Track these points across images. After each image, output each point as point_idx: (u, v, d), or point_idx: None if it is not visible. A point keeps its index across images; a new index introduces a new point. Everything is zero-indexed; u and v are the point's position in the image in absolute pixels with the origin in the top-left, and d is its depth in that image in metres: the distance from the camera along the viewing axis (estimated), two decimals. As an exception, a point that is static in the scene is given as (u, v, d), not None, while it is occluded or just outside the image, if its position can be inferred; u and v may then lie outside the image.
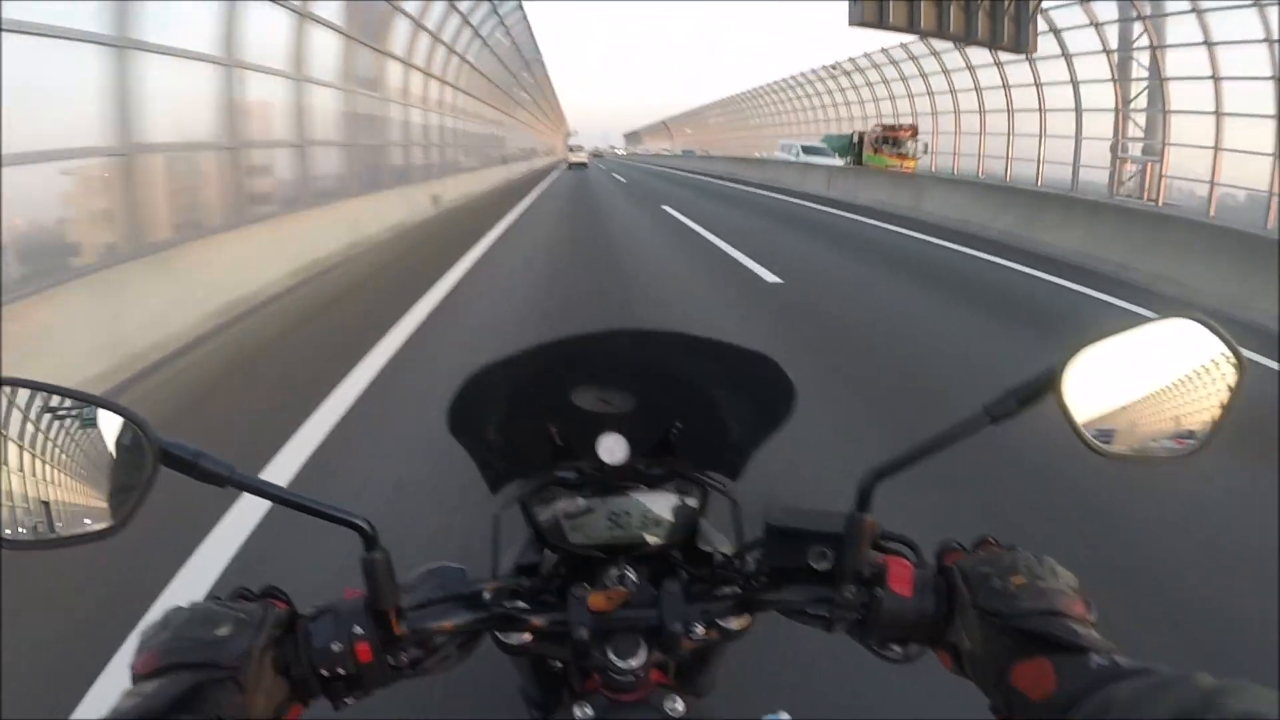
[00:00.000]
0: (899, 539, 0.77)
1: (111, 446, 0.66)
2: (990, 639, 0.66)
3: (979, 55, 27.68)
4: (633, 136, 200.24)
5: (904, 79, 36.22)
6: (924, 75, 34.20)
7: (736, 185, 30.54)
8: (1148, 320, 0.68)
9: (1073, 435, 0.69)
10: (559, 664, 0.91)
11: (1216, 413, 0.67)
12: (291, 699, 0.70)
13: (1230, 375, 0.66)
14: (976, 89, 30.43)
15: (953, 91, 32.46)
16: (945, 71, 32.16)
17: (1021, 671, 0.62)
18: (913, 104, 36.65)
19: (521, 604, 0.80)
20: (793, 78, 51.29)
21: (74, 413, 0.66)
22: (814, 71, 46.63)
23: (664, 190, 27.27)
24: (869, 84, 40.16)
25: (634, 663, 0.77)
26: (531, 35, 40.45)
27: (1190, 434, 0.68)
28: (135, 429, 0.65)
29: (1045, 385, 0.68)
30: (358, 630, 0.70)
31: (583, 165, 52.70)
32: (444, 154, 21.96)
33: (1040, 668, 0.61)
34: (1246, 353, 0.66)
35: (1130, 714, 0.52)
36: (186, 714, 0.59)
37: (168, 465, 0.64)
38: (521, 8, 32.29)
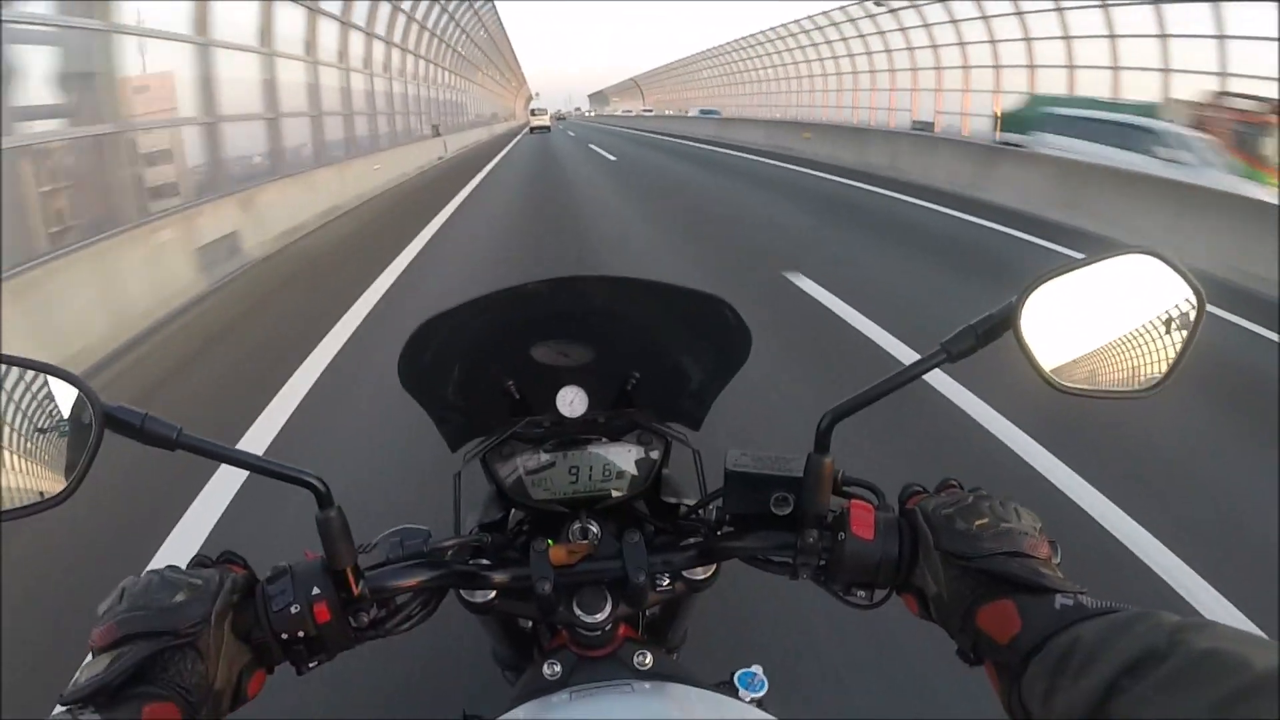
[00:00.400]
0: (861, 483, 0.76)
1: (56, 413, 0.64)
2: (954, 581, 0.66)
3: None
4: (598, 97, 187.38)
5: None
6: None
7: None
8: (1106, 255, 0.67)
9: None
10: (529, 624, 0.90)
11: (1177, 348, 0.67)
12: (255, 665, 0.68)
13: (1190, 311, 0.66)
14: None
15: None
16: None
17: (987, 614, 0.62)
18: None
19: (484, 561, 0.79)
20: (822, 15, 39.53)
21: (14, 379, 0.64)
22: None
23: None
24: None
25: (600, 616, 0.77)
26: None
27: (1150, 369, 0.68)
28: (79, 394, 0.63)
29: (1003, 322, 0.67)
30: (315, 591, 0.68)
31: (545, 129, 49.22)
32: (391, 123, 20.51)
33: (1004, 609, 0.61)
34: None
35: (1095, 653, 0.52)
36: (146, 685, 0.58)
37: (113, 429, 0.63)
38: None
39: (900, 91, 34.40)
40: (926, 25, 30.60)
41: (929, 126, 27.66)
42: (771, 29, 48.18)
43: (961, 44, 29.07)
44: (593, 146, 28.46)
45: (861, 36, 35.97)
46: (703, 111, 73.56)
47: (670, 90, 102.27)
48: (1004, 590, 0.62)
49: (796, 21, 42.91)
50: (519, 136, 41.47)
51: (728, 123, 35.41)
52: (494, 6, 41.76)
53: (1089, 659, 0.52)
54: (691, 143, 30.32)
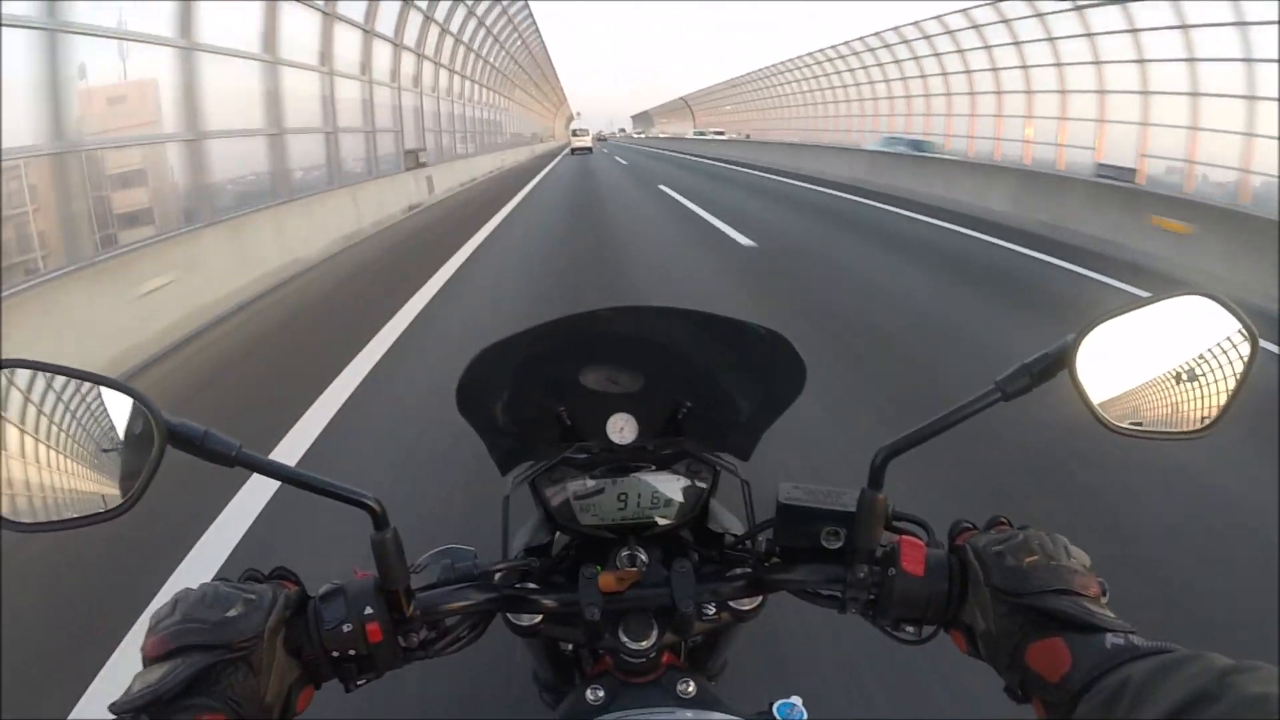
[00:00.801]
0: (911, 519, 0.76)
1: (118, 426, 0.65)
2: (1004, 618, 0.66)
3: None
4: (642, 118, 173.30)
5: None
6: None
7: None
8: (1161, 296, 0.68)
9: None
10: (570, 647, 0.91)
11: (1229, 389, 0.66)
12: (304, 681, 0.70)
13: (1243, 351, 0.66)
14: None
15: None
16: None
17: (1036, 651, 0.62)
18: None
19: (532, 585, 0.80)
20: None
21: (79, 393, 0.65)
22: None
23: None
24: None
25: (645, 644, 0.77)
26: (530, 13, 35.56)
27: (1203, 411, 0.68)
28: (143, 409, 0.64)
29: (1058, 361, 0.67)
30: (368, 611, 0.69)
31: (587, 150, 47.45)
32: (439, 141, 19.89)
33: (1055, 647, 0.61)
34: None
35: (1146, 693, 0.52)
36: (199, 696, 0.59)
37: (175, 445, 0.64)
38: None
39: (1010, 118, 27.20)
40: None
41: (1127, 173, 18.83)
42: (845, 43, 40.12)
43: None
44: (674, 195, 16.56)
45: (959, 52, 29.32)
46: (714, 132, 73.97)
47: (720, 113, 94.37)
48: (1054, 628, 0.62)
49: (876, 35, 35.17)
50: (557, 160, 37.12)
51: (799, 150, 27.23)
52: (534, 21, 39.19)
53: (1139, 699, 0.52)
54: (778, 178, 21.31)
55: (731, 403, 0.86)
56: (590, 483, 0.83)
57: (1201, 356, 0.67)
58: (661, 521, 0.84)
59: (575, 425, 0.84)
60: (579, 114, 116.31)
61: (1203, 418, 0.68)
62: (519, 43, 37.52)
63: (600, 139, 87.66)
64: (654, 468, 0.84)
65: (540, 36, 45.69)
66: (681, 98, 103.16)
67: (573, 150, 47.59)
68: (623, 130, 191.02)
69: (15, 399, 0.63)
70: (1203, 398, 0.67)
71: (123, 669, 2.19)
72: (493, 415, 0.84)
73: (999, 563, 0.67)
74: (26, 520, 0.63)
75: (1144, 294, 0.69)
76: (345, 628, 0.69)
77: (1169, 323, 0.68)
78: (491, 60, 30.85)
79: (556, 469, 0.84)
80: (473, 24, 23.87)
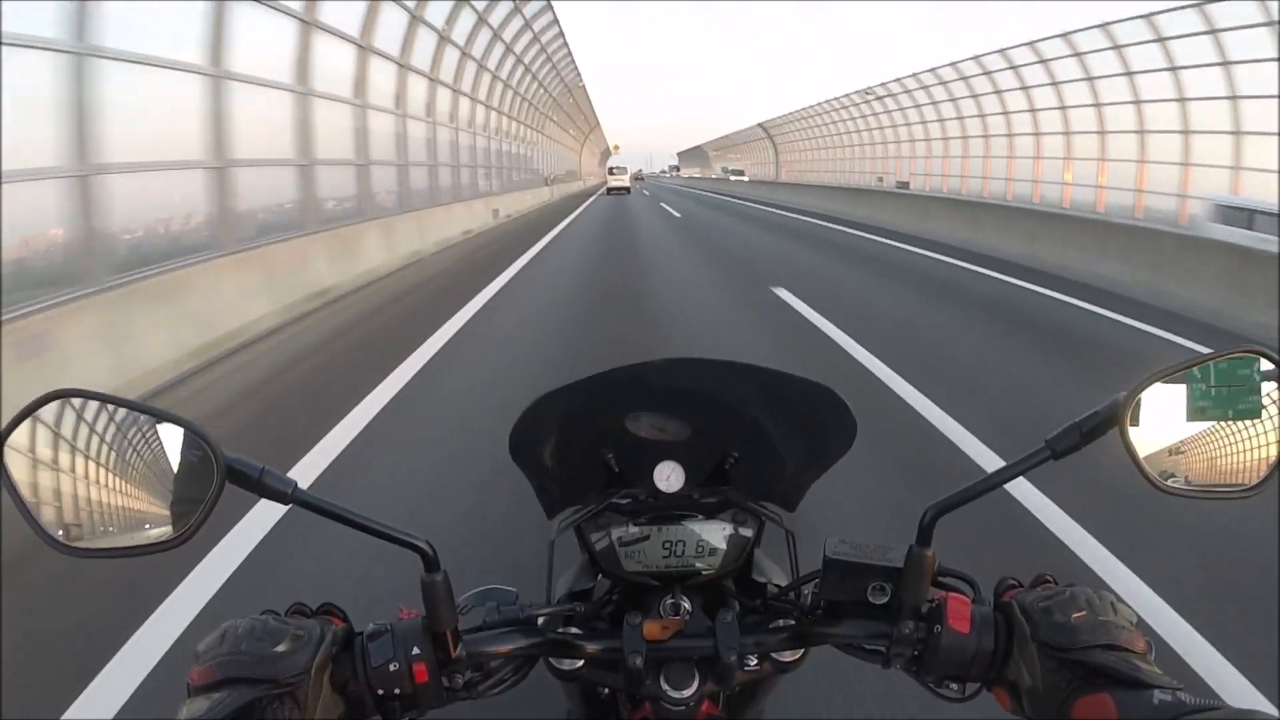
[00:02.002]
0: (958, 575, 0.76)
1: (174, 459, 0.66)
2: (1050, 674, 0.65)
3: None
4: (694, 154, 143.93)
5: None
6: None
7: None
8: (1212, 355, 0.68)
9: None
10: (608, 691, 0.90)
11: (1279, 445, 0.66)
12: (347, 717, 0.70)
13: None
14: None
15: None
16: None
17: (1083, 707, 0.62)
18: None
19: (575, 630, 0.80)
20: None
21: (138, 425, 0.66)
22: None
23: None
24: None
25: (686, 693, 0.77)
26: (565, 42, 32.32)
27: (1255, 467, 0.67)
28: (202, 444, 0.65)
29: (1109, 419, 0.67)
30: (416, 651, 0.70)
31: (624, 190, 44.76)
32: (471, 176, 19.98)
33: (1102, 703, 0.61)
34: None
35: None
36: None
37: (233, 481, 0.65)
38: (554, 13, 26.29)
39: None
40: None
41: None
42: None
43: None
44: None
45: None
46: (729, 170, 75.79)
47: (751, 151, 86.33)
48: (1101, 684, 0.62)
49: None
50: (586, 204, 30.95)
51: (921, 205, 19.36)
52: (568, 50, 35.39)
53: None
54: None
55: (779, 455, 0.87)
56: (635, 529, 0.83)
57: (1253, 412, 0.67)
58: (705, 571, 0.83)
59: (622, 472, 0.84)
60: (616, 148, 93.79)
61: (1255, 474, 0.67)
62: (551, 73, 34.35)
63: (638, 178, 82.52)
64: (700, 516, 0.84)
65: (574, 63, 39.85)
66: (760, 124, 73.43)
67: (609, 190, 44.60)
68: (671, 169, 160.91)
69: (70, 427, 0.64)
70: (1255, 454, 0.67)
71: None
72: (542, 461, 0.85)
73: (1047, 618, 0.67)
74: (79, 545, 0.64)
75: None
76: (392, 666, 0.69)
77: (1221, 379, 0.68)
78: (522, 91, 28.97)
79: (602, 515, 0.84)
80: (499, 50, 22.67)
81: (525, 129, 31.69)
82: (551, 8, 26.02)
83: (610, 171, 47.79)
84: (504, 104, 25.76)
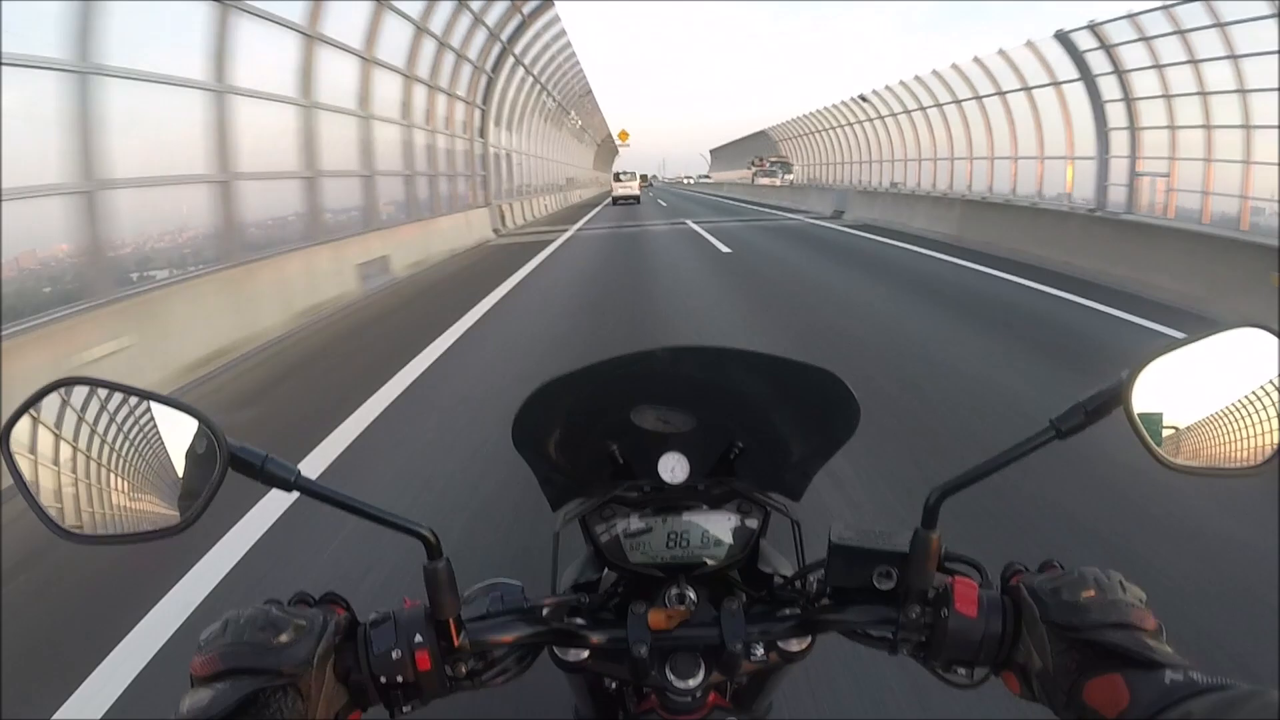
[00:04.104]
0: (964, 559, 0.76)
1: (178, 446, 0.66)
2: (1060, 655, 0.65)
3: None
4: (729, 151, 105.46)
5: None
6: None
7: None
8: (1214, 330, 0.68)
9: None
10: (614, 684, 0.90)
11: None
12: (350, 707, 0.69)
13: None
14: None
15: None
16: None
17: (1094, 688, 0.61)
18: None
19: (580, 620, 0.79)
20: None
21: (143, 412, 0.67)
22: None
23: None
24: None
25: (692, 683, 0.76)
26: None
27: (1261, 445, 0.67)
28: (205, 431, 0.66)
29: (1113, 398, 0.67)
30: (418, 639, 0.70)
31: (632, 199, 39.07)
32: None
33: (1113, 683, 0.60)
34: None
35: None
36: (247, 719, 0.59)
37: (235, 469, 0.65)
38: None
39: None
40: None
41: None
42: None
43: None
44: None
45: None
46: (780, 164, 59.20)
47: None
48: (1112, 664, 0.61)
49: None
50: (581, 224, 23.09)
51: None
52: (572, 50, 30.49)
53: None
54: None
55: (784, 443, 0.86)
56: (640, 521, 0.83)
57: (1257, 390, 0.66)
58: (711, 562, 0.83)
59: (627, 463, 0.84)
60: (624, 135, 68.03)
61: (1261, 452, 0.67)
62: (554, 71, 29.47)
63: (646, 183, 65.85)
64: (705, 507, 0.83)
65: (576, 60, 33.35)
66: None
67: (614, 200, 39.27)
68: (686, 178, 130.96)
69: (73, 415, 0.65)
70: (1260, 432, 0.67)
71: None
72: (546, 451, 0.85)
73: (1055, 598, 0.67)
74: (83, 532, 0.64)
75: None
76: (395, 654, 0.69)
77: (1223, 356, 0.68)
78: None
79: (607, 506, 0.84)
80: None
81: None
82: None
83: (616, 178, 41.61)
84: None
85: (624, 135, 66.89)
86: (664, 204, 38.63)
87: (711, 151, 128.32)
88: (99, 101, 6.18)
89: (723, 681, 0.82)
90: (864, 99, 40.44)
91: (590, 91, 45.75)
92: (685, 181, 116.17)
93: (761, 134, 72.23)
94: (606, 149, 76.20)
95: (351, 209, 12.28)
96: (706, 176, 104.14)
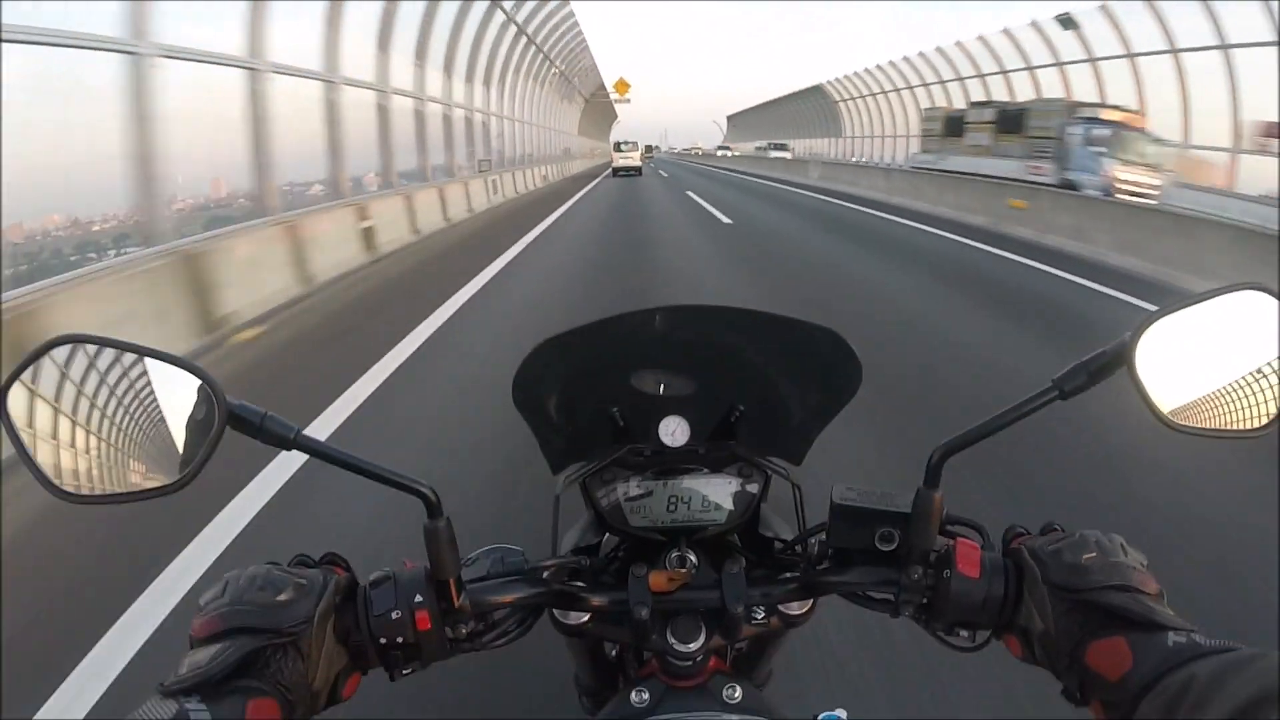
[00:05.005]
0: (966, 522, 0.75)
1: (178, 404, 0.66)
2: (1063, 617, 0.65)
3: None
4: (746, 120, 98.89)
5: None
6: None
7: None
8: (1216, 291, 0.67)
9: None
10: (614, 651, 0.90)
11: None
12: (351, 668, 0.69)
13: None
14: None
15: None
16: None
17: (1097, 650, 0.61)
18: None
19: (580, 583, 0.79)
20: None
21: (141, 369, 0.66)
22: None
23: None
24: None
25: (693, 646, 0.76)
26: None
27: (1264, 407, 0.66)
28: (205, 388, 0.65)
29: (1116, 358, 0.67)
30: (418, 599, 0.69)
31: (633, 170, 37.02)
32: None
33: (1116, 646, 0.60)
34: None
35: (1210, 693, 0.51)
36: (247, 679, 0.59)
37: (234, 427, 0.65)
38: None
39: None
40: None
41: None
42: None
43: None
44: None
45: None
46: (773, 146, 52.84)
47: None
48: (1115, 626, 0.61)
49: None
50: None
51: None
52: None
53: (1203, 699, 0.51)
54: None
55: (785, 405, 0.86)
56: (641, 485, 0.83)
57: (1257, 351, 0.66)
58: (712, 526, 0.83)
59: (627, 426, 0.84)
60: (623, 85, 51.91)
61: (1265, 414, 0.66)
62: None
63: (649, 155, 62.52)
64: (705, 471, 0.83)
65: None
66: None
67: (615, 171, 37.16)
68: (695, 148, 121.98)
69: (73, 373, 0.64)
70: (1263, 394, 0.66)
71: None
72: (547, 413, 0.85)
73: (1057, 560, 0.67)
74: (81, 492, 0.64)
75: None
76: (394, 615, 0.69)
77: (1226, 318, 0.67)
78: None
79: (607, 470, 0.83)
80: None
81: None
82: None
83: (617, 148, 39.58)
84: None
85: (622, 86, 52.35)
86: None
87: (729, 118, 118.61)
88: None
89: (723, 647, 0.82)
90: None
91: (580, 34, 35.26)
92: (696, 153, 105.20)
93: (817, 89, 52.67)
94: (599, 109, 62.76)
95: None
96: (727, 148, 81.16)
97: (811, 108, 57.18)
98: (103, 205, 7.27)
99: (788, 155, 50.29)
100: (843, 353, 0.80)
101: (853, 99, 47.15)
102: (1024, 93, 26.88)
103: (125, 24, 6.30)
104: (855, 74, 44.89)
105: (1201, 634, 0.58)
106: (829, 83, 49.31)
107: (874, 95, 43.04)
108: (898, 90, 39.82)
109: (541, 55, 27.76)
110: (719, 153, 75.10)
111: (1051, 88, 25.43)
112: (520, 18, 22.59)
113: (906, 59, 37.35)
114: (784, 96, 68.85)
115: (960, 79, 32.15)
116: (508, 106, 25.25)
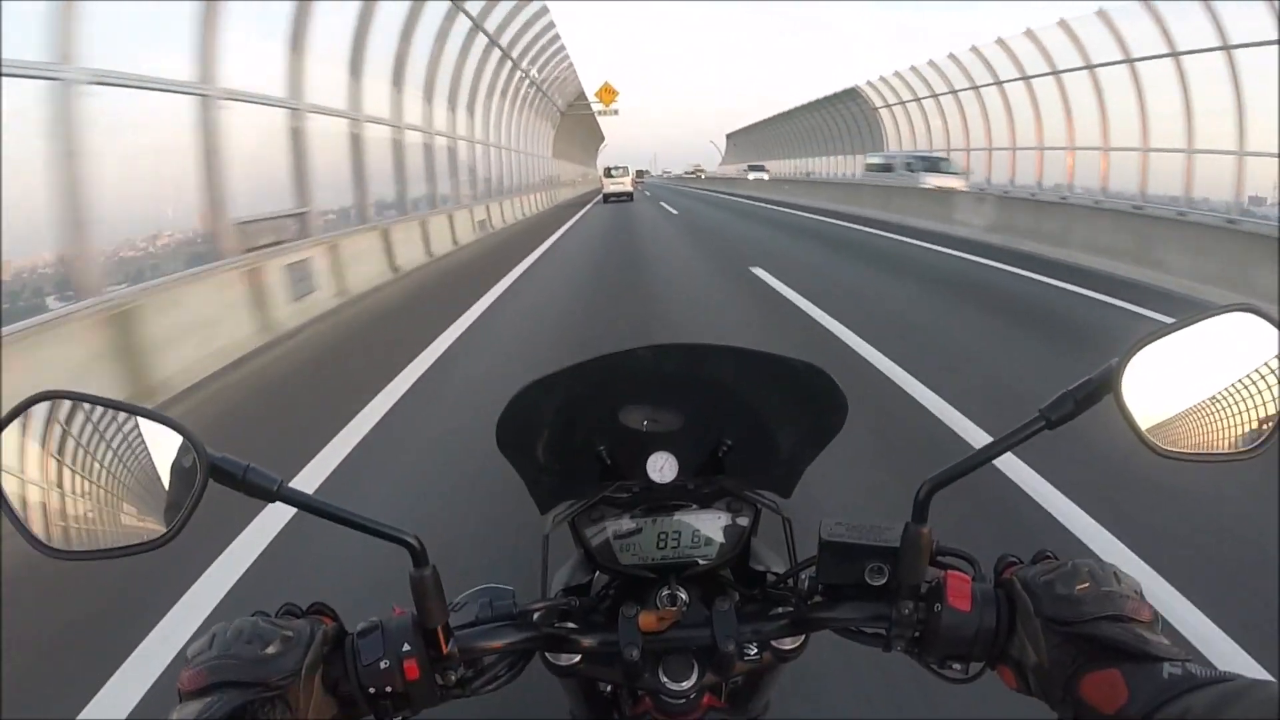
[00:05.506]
0: (956, 553, 0.75)
1: (158, 458, 0.66)
2: (1056, 649, 0.64)
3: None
4: (746, 137, 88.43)
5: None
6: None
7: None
8: (1205, 314, 0.66)
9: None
10: (608, 688, 0.89)
11: (1278, 405, 0.65)
12: (340, 717, 0.69)
13: None
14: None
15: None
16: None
17: (1091, 683, 0.60)
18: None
19: (571, 625, 0.78)
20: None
21: (123, 425, 0.66)
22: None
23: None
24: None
25: (686, 684, 0.75)
26: None
27: (1254, 430, 0.66)
28: (185, 442, 0.65)
29: (1103, 385, 0.66)
30: (406, 648, 0.69)
31: (624, 196, 35.63)
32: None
33: (1110, 678, 0.59)
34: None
35: None
36: None
37: (216, 480, 0.64)
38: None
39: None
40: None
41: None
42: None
43: None
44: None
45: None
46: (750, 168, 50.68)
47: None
48: (1109, 658, 0.61)
49: None
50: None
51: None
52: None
53: None
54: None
55: (772, 440, 0.86)
56: (630, 522, 0.82)
57: (1250, 374, 0.65)
58: (702, 561, 0.83)
59: (615, 464, 0.84)
60: (614, 93, 39.13)
61: (1254, 437, 0.66)
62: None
63: (638, 180, 53.60)
64: (695, 506, 0.83)
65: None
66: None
67: (605, 197, 35.88)
68: (698, 170, 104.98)
69: (54, 430, 0.64)
70: (1253, 416, 0.65)
71: None
72: (533, 454, 0.84)
73: (1049, 592, 0.66)
74: (67, 548, 0.64)
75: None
76: (383, 664, 0.68)
77: (1215, 341, 0.66)
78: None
79: (596, 508, 0.83)
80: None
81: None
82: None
83: (607, 173, 37.33)
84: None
85: (608, 94, 41.88)
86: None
87: (729, 137, 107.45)
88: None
89: (718, 682, 0.82)
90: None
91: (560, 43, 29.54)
92: (699, 176, 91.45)
93: (852, 90, 41.80)
94: (583, 127, 53.82)
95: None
96: (761, 168, 63.04)
97: (850, 104, 45.21)
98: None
99: (764, 176, 52.24)
100: (827, 387, 0.80)
101: (896, 104, 38.36)
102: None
103: (49, 46, 5.46)
104: (895, 74, 36.91)
105: (1196, 664, 0.57)
106: (868, 83, 40.23)
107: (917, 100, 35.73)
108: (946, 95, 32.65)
109: (510, 63, 23.44)
110: (750, 175, 56.28)
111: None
112: (490, 26, 19.51)
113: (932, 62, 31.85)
114: (798, 107, 56.67)
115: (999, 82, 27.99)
116: (479, 130, 21.82)
